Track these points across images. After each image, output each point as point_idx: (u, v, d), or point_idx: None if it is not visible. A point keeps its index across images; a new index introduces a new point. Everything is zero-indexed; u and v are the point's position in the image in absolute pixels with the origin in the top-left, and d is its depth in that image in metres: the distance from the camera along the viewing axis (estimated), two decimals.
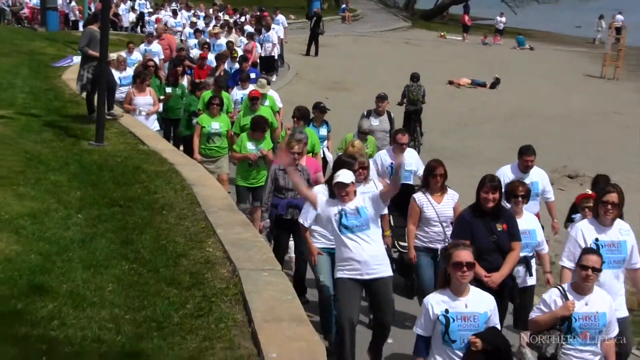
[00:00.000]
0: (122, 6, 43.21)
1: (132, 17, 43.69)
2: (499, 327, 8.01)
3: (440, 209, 11.06)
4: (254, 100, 16.63)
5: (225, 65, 23.86)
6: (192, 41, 30.75)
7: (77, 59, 26.76)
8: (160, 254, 9.62)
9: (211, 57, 25.27)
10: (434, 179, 11.06)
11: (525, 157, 13.38)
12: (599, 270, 8.22)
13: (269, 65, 33.12)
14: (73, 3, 41.37)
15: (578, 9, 75.56)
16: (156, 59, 23.08)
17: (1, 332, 7.25)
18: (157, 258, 9.49)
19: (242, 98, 19.02)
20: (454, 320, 7.60)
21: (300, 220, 10.68)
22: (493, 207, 9.62)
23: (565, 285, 8.43)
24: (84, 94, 17.71)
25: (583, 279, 8.16)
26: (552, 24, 74.81)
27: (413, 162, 14.32)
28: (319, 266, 10.71)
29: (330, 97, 32.18)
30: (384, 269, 9.70)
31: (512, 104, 36.63)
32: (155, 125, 18.51)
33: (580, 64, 51.96)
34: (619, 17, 56.33)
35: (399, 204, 12.06)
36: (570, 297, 8.18)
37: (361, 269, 9.50)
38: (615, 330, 8.41)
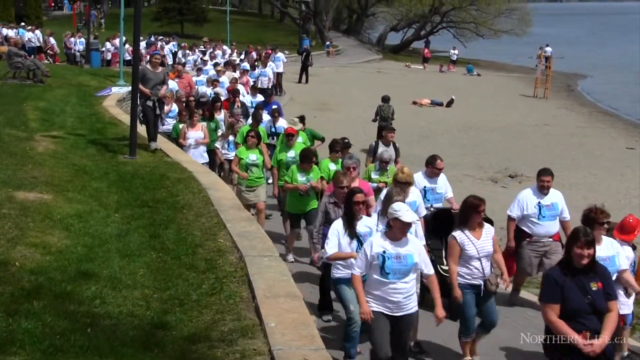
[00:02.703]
0: (166, 47, 42.91)
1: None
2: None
3: (480, 245, 9.29)
4: (290, 136, 14.89)
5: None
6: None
7: (115, 89, 26.82)
8: (181, 245, 9.57)
9: (218, 90, 23.86)
10: (478, 215, 9.26)
11: (542, 177, 11.59)
12: None
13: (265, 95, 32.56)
14: (109, 46, 41.25)
15: (515, 43, 75.75)
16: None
17: (55, 308, 7.22)
18: (179, 248, 9.45)
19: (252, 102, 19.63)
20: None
21: (354, 272, 8.27)
22: (587, 264, 7.08)
23: None
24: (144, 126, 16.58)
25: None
26: (495, 55, 75.01)
27: (443, 185, 12.48)
28: (348, 296, 9.17)
29: (318, 116, 32.27)
30: (412, 305, 8.29)
31: (463, 119, 36.71)
32: (205, 158, 16.63)
33: (517, 87, 52.15)
34: (548, 48, 56.44)
35: (434, 227, 10.93)
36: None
37: (392, 308, 8.12)
38: None
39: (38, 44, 39.53)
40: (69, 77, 30.23)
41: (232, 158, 15.58)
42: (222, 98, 21.91)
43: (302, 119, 17.18)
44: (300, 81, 43.96)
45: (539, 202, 11.56)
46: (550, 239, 11.77)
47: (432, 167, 12.27)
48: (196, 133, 16.56)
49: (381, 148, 15.69)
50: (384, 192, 10.90)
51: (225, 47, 45.09)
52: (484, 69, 62.76)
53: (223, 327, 7.05)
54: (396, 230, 7.98)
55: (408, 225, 7.94)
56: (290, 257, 13.36)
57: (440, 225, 10.91)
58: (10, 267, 8.18)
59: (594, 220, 9.01)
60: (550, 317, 7.05)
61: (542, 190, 11.58)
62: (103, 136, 17.71)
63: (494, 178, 24.35)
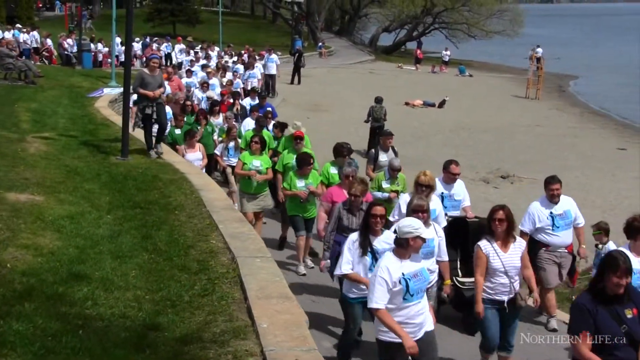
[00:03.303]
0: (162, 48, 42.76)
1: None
2: None
3: (506, 258, 8.69)
4: (298, 139, 14.35)
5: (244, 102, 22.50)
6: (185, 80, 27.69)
7: (107, 91, 26.75)
8: (173, 246, 9.56)
9: (210, 93, 23.75)
10: (493, 223, 8.71)
11: (551, 186, 10.94)
12: None
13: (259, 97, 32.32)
14: (100, 47, 41.15)
15: (506, 44, 75.90)
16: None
17: (47, 310, 7.21)
18: (171, 249, 9.43)
19: (250, 105, 18.80)
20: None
21: (374, 306, 7.32)
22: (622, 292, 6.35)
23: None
24: (141, 132, 16.22)
25: None
26: (487, 56, 75.13)
27: (461, 191, 11.96)
28: (356, 313, 8.93)
29: (311, 117, 32.28)
30: (430, 321, 7.71)
31: (455, 119, 36.75)
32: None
33: (509, 87, 52.22)
34: (539, 49, 56.56)
35: (449, 237, 10.03)
36: None
37: (415, 331, 7.47)
38: None
39: (35, 45, 39.52)
40: (61, 78, 30.17)
41: (233, 164, 15.50)
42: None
43: (282, 127, 16.74)
44: (292, 82, 43.92)
45: (551, 213, 10.99)
46: (565, 251, 11.27)
47: (447, 173, 11.81)
48: (195, 154, 16.00)
49: (381, 154, 15.25)
50: (402, 198, 10.65)
51: (217, 48, 44.89)
52: (476, 69, 62.83)
53: (215, 328, 7.04)
54: (410, 249, 7.35)
55: (422, 241, 7.36)
56: (302, 269, 12.88)
57: (455, 235, 10.51)
58: (2, 268, 8.16)
59: (638, 230, 8.40)
60: (583, 351, 6.36)
61: (553, 199, 10.99)
62: (95, 137, 17.67)
63: (486, 179, 24.40)
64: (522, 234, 10.86)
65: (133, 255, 9.23)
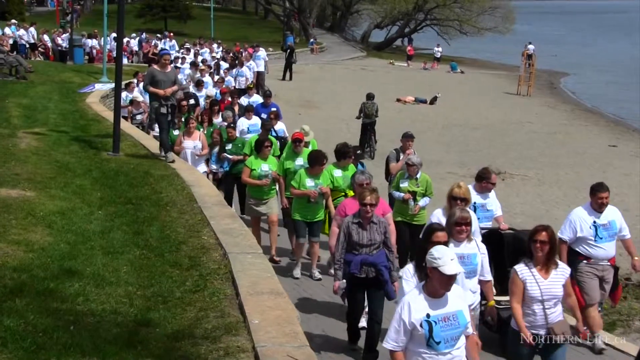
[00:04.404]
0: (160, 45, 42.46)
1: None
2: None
3: (546, 286, 7.58)
4: (297, 142, 13.20)
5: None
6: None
7: (98, 86, 26.69)
8: (165, 242, 9.55)
9: (210, 91, 22.90)
10: (534, 245, 7.59)
11: (599, 194, 9.99)
12: None
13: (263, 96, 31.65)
14: (93, 43, 40.99)
15: (498, 41, 75.93)
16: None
17: (38, 306, 7.19)
18: (162, 245, 9.42)
19: (248, 128, 16.97)
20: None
21: (389, 347, 6.17)
22: None
23: None
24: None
25: None
26: (478, 52, 75.23)
27: (494, 202, 11.00)
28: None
29: (302, 113, 32.30)
30: None
31: (447, 116, 36.79)
32: (203, 167, 15.33)
33: (500, 84, 52.31)
34: (531, 46, 56.53)
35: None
36: None
37: None
38: None
39: (32, 41, 39.43)
40: (52, 73, 30.10)
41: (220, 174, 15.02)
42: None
43: (276, 115, 16.52)
44: (284, 78, 43.88)
45: (595, 222, 10.05)
46: (608, 264, 10.30)
47: (487, 182, 10.89)
48: (193, 142, 15.28)
49: (401, 157, 14.35)
50: (433, 214, 9.41)
51: (215, 45, 44.47)
52: (467, 66, 62.88)
53: (207, 324, 7.03)
54: (436, 283, 6.03)
55: (452, 277, 5.99)
56: (297, 272, 12.23)
57: (489, 249, 9.03)
58: None
59: None
60: None
61: (600, 208, 10.03)
62: (86, 133, 17.64)
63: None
64: (561, 243, 9.95)
65: (124, 251, 9.21)
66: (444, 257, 5.91)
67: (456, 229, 7.83)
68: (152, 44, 42.21)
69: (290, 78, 44.03)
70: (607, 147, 31.01)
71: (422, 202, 12.37)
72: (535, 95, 47.04)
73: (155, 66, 15.43)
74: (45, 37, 40.72)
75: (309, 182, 11.94)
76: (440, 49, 63.87)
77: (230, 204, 13.62)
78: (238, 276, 8.03)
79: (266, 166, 12.95)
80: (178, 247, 9.38)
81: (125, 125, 16.16)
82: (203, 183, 13.04)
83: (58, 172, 13.24)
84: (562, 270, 7.72)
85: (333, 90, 42.14)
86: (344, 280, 9.02)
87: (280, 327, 6.74)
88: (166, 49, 17.24)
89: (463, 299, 6.33)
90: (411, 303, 6.07)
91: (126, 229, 10.15)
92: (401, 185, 12.43)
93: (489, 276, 8.36)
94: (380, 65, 59.77)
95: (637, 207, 20.55)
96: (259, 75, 35.04)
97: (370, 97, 26.33)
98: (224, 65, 32.97)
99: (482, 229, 10.12)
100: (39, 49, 39.87)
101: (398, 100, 40.35)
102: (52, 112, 20.53)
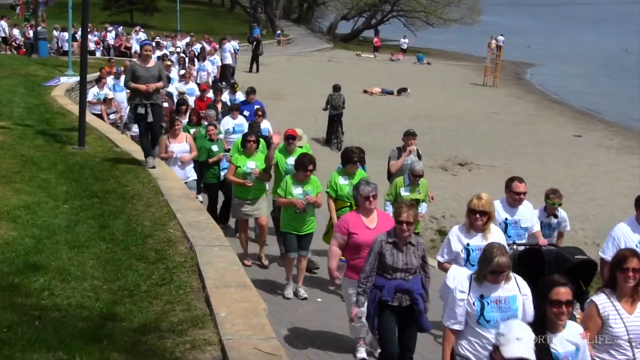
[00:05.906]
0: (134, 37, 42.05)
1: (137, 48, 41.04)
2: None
3: (632, 323, 6.20)
4: (290, 139, 12.09)
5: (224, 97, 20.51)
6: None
7: (63, 79, 26.46)
8: (131, 235, 9.51)
9: (180, 88, 22.08)
10: (623, 273, 6.21)
11: None
12: None
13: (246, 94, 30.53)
14: (64, 34, 40.59)
15: (464, 32, 76.22)
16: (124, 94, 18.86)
17: (2, 301, 7.13)
18: (128, 238, 9.38)
19: (233, 128, 16.07)
20: None
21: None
22: None
23: None
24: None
25: None
26: (446, 44, 75.46)
27: (529, 216, 9.61)
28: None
29: (270, 105, 32.14)
30: None
31: (413, 107, 36.97)
32: (192, 175, 14.05)
33: (467, 75, 52.60)
34: (501, 37, 56.83)
35: (520, 273, 6.92)
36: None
37: None
38: None
39: (3, 35, 38.97)
40: (17, 67, 29.78)
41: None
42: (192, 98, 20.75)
43: (263, 113, 16.37)
44: (251, 70, 43.81)
45: None
46: None
47: (510, 192, 9.50)
48: (180, 145, 13.91)
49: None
50: (452, 232, 8.26)
51: (188, 38, 43.67)
52: (434, 57, 63.15)
53: (173, 318, 7.01)
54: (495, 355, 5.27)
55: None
56: (289, 292, 11.03)
57: (529, 270, 7.91)
58: None
59: None
60: None
61: None
62: (51, 126, 17.50)
63: (444, 166, 24.56)
64: (604, 263, 8.44)
65: (90, 245, 9.15)
66: (509, 333, 5.14)
67: (492, 277, 6.41)
68: (124, 37, 41.92)
69: (257, 70, 43.98)
70: (572, 137, 31.32)
71: (422, 208, 11.93)
72: (501, 86, 47.36)
73: (137, 60, 14.46)
74: (15, 31, 40.23)
75: (296, 190, 10.86)
76: (406, 41, 64.14)
77: (214, 212, 13.46)
78: (204, 269, 8.01)
79: (252, 163, 12.14)
80: (144, 240, 9.34)
81: (90, 119, 16.02)
82: (169, 176, 12.98)
83: (23, 166, 13.11)
84: None
85: (300, 82, 42.14)
86: (363, 309, 8.03)
87: (247, 320, 6.73)
88: (148, 40, 16.41)
89: None
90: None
91: (92, 223, 10.08)
92: (403, 194, 11.75)
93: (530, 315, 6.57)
94: (347, 57, 59.85)
95: (601, 195, 20.82)
96: (225, 68, 34.84)
97: (337, 88, 26.40)
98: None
99: (520, 244, 9.18)
100: (12, 43, 39.37)
101: (365, 91, 40.45)
102: (17, 106, 20.32)
